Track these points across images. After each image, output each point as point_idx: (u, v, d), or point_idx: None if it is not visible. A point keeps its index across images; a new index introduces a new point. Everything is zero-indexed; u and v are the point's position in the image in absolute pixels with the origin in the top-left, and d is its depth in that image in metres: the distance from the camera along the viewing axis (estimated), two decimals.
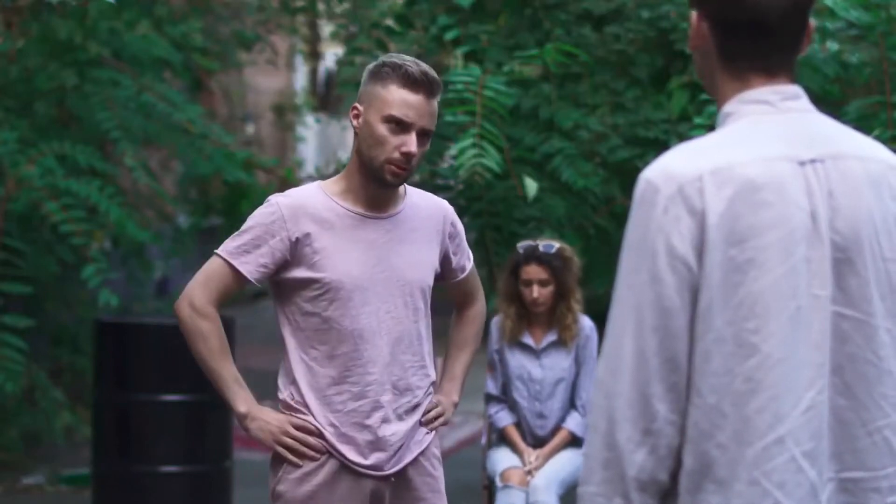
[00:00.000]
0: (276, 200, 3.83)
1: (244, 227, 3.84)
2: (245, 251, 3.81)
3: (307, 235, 3.79)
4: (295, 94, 19.94)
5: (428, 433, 3.97)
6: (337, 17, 13.75)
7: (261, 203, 3.91)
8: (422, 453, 3.94)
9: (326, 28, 16.28)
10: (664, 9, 8.18)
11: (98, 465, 6.97)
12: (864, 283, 2.23)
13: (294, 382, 3.85)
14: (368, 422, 3.83)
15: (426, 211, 3.97)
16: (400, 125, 3.77)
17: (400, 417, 3.89)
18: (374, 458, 3.85)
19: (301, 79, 20.69)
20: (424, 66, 3.83)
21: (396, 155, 3.77)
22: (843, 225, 2.23)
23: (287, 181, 11.70)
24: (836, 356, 2.22)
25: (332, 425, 3.82)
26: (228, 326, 7.00)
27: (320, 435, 3.83)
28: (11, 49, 8.57)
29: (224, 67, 13.05)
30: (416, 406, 3.92)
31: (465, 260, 4.13)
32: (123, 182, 10.22)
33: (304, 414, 3.84)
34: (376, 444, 3.85)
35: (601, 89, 8.21)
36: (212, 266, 3.87)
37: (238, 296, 4.24)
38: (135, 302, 10.90)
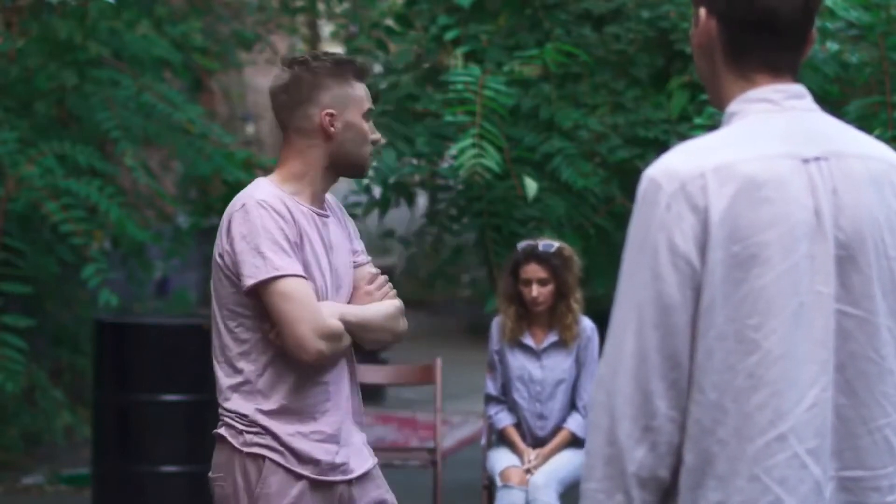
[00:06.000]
0: (268, 205, 3.61)
1: (270, 240, 3.58)
2: (294, 260, 3.63)
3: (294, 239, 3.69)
4: None
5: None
6: (337, 17, 13.75)
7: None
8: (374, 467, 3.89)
9: (326, 28, 16.27)
10: (664, 9, 8.18)
11: (98, 464, 6.97)
12: (866, 280, 2.24)
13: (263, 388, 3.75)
14: (336, 428, 3.75)
15: (331, 201, 3.90)
16: (369, 116, 3.81)
17: (359, 423, 3.84)
18: (342, 458, 3.78)
19: None
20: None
21: (373, 146, 3.81)
22: (846, 223, 2.23)
23: None
24: (838, 354, 2.23)
25: (316, 432, 3.75)
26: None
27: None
28: (11, 49, 8.56)
29: (224, 67, 13.04)
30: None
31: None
32: (123, 182, 10.21)
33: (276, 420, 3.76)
34: (343, 449, 3.79)
35: (601, 89, 8.21)
36: (295, 289, 3.60)
37: None
38: (135, 302, 10.90)
